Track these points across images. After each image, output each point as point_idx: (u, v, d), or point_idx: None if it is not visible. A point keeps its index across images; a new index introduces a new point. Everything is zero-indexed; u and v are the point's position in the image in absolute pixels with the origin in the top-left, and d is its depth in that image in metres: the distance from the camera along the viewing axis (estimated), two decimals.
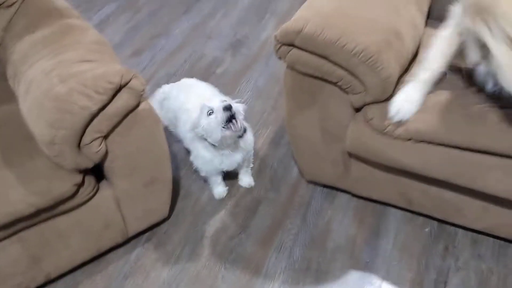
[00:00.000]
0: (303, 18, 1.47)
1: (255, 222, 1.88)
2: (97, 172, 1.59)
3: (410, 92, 1.46)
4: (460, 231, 1.74)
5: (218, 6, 3.13)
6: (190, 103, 1.84)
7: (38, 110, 1.38)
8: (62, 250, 1.61)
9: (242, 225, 1.87)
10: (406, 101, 1.45)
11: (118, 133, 1.47)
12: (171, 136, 1.89)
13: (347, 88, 1.49)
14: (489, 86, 1.42)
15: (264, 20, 2.95)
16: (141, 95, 1.45)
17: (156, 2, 3.24)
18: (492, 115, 1.38)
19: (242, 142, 1.77)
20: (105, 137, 1.44)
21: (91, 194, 1.55)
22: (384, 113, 1.48)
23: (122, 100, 1.41)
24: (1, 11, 1.70)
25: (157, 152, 1.62)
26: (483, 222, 1.63)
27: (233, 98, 1.75)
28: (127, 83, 1.40)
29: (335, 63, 1.45)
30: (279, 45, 1.52)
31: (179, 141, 1.98)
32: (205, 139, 1.72)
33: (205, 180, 1.97)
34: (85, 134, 1.38)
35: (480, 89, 1.45)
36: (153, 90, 2.18)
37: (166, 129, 1.79)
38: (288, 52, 1.51)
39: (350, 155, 1.68)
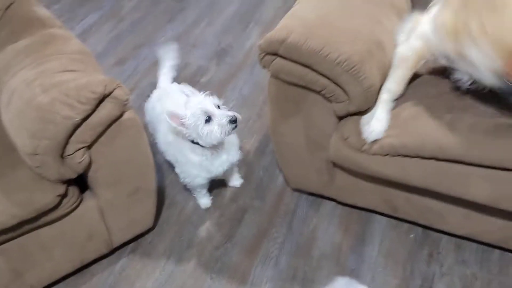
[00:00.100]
0: (287, 27, 1.48)
1: (241, 231, 1.87)
2: (81, 182, 1.57)
3: (378, 111, 1.49)
4: (444, 237, 1.76)
5: (202, 15, 3.14)
6: (163, 115, 1.76)
7: (20, 120, 1.37)
8: (45, 262, 1.59)
9: (228, 235, 1.87)
10: (377, 120, 1.48)
11: (101, 143, 1.46)
12: (155, 145, 1.88)
13: (330, 97, 1.50)
14: (465, 82, 1.44)
15: (249, 29, 2.97)
16: (125, 104, 1.45)
17: (139, 11, 3.23)
18: (462, 124, 1.40)
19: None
20: (89, 147, 1.43)
21: (74, 205, 1.54)
22: (359, 132, 1.51)
23: (106, 110, 1.40)
24: None
25: (141, 161, 1.61)
26: (466, 228, 1.64)
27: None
28: (110, 93, 1.39)
29: (318, 72, 1.46)
30: (263, 54, 1.53)
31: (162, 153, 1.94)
32: (193, 141, 1.68)
33: (190, 190, 1.97)
34: (68, 145, 1.37)
35: (453, 89, 1.48)
36: (136, 100, 2.17)
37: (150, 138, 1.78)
38: (272, 61, 1.52)
39: (334, 164, 1.69)
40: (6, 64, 1.56)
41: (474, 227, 1.62)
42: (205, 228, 1.90)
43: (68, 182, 1.48)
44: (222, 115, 1.59)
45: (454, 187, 1.47)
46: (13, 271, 1.53)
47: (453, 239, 1.75)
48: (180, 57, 2.76)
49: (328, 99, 1.52)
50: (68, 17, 3.19)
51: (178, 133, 1.68)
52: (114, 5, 3.33)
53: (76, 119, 1.34)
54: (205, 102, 1.61)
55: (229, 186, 2.02)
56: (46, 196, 1.42)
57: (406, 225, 1.81)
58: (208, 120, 1.59)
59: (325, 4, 1.59)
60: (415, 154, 1.46)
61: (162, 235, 1.88)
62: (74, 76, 1.42)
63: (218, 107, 1.63)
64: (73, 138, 1.37)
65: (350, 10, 1.59)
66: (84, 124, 1.37)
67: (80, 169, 1.43)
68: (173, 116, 1.60)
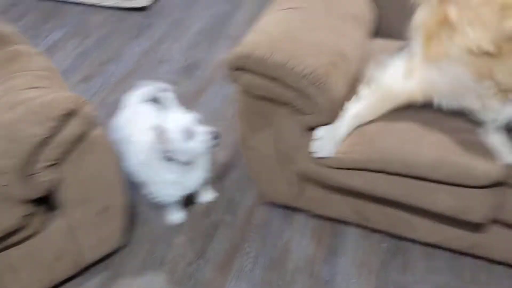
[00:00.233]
0: (253, 42, 1.50)
1: (213, 247, 1.86)
2: (49, 201, 1.53)
3: (338, 131, 1.50)
4: (416, 245, 1.78)
5: (170, 30, 3.14)
6: (135, 135, 1.76)
7: None
8: (13, 283, 1.55)
9: (201, 250, 1.85)
10: (332, 140, 1.50)
11: (69, 161, 1.43)
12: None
13: (298, 109, 1.51)
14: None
15: (216, 43, 2.97)
16: (92, 121, 1.43)
17: (105, 28, 3.21)
18: (427, 140, 1.43)
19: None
20: (56, 165, 1.40)
21: (42, 225, 1.50)
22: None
23: (72, 127, 1.38)
24: None
25: (110, 179, 1.59)
26: (435, 236, 1.67)
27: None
28: (76, 110, 1.38)
29: (285, 86, 1.47)
30: (231, 69, 1.53)
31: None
32: (168, 159, 1.66)
33: (161, 206, 1.94)
34: (35, 163, 1.34)
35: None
36: (103, 117, 2.14)
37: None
38: (240, 76, 1.53)
39: (304, 176, 1.70)
40: None
41: (444, 235, 1.65)
42: (177, 245, 1.87)
43: (36, 201, 1.44)
44: (204, 131, 1.61)
45: (421, 199, 1.51)
46: None
47: (425, 247, 1.77)
48: (148, 72, 2.76)
49: (296, 111, 1.53)
50: (32, 34, 3.13)
51: (155, 151, 1.66)
52: (79, 22, 3.29)
53: (42, 137, 1.31)
54: (187, 118, 1.62)
55: (201, 201, 2.00)
56: (11, 217, 1.39)
57: (378, 234, 1.83)
58: (191, 136, 1.60)
59: (289, 19, 1.62)
60: (381, 170, 1.48)
61: (134, 253, 1.84)
62: (40, 93, 1.40)
63: (198, 123, 1.64)
64: (40, 156, 1.34)
65: (313, 24, 1.61)
66: (51, 142, 1.34)
67: (47, 187, 1.40)
68: (159, 132, 1.59)
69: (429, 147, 1.42)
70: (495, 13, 1.23)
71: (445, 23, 1.34)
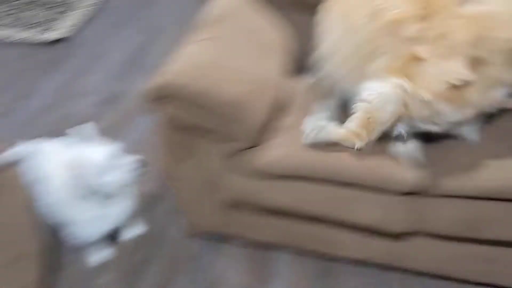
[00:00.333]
0: (172, 71, 1.50)
1: (143, 284, 1.78)
2: None
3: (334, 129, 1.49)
4: (347, 264, 1.78)
5: (89, 62, 3.05)
6: (49, 173, 1.68)
7: None
8: None
9: None
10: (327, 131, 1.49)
11: None
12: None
13: (220, 137, 1.50)
14: None
15: (137, 74, 2.91)
16: (4, 162, 1.34)
17: (19, 62, 3.06)
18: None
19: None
20: None
21: None
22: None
23: None
24: None
25: (22, 223, 1.48)
26: (363, 252, 1.69)
27: None
28: None
29: (206, 114, 1.46)
30: (151, 99, 1.50)
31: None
32: (87, 195, 1.59)
33: (84, 246, 1.83)
34: None
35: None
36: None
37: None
38: (161, 105, 1.50)
39: (232, 203, 1.68)
40: None
41: (371, 250, 1.67)
42: (104, 285, 1.78)
43: None
44: (130, 161, 1.58)
45: (344, 211, 1.53)
46: None
47: (355, 266, 1.78)
48: (68, 106, 2.65)
49: (218, 139, 1.52)
50: None
51: (71, 188, 1.58)
52: None
53: None
54: (107, 150, 1.58)
55: (128, 236, 1.92)
56: None
57: (309, 257, 1.82)
58: (112, 168, 1.56)
59: (208, 48, 1.62)
60: (309, 176, 1.48)
61: None
62: None
63: (123, 153, 1.61)
64: None
65: (233, 53, 1.62)
66: None
67: None
68: (74, 167, 1.52)
69: (351, 153, 1.44)
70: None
71: None
